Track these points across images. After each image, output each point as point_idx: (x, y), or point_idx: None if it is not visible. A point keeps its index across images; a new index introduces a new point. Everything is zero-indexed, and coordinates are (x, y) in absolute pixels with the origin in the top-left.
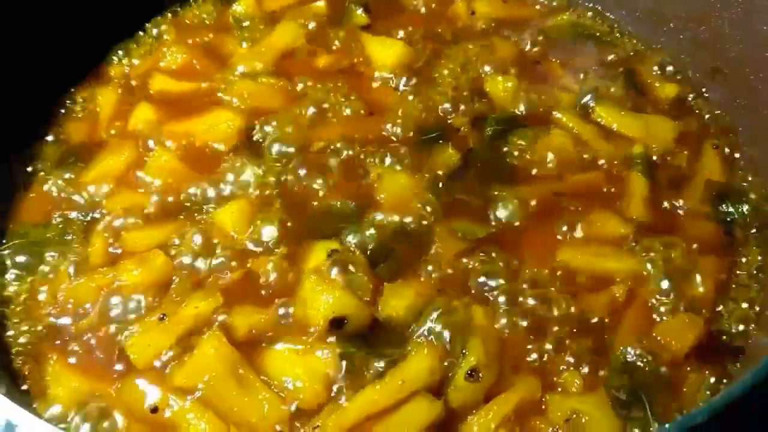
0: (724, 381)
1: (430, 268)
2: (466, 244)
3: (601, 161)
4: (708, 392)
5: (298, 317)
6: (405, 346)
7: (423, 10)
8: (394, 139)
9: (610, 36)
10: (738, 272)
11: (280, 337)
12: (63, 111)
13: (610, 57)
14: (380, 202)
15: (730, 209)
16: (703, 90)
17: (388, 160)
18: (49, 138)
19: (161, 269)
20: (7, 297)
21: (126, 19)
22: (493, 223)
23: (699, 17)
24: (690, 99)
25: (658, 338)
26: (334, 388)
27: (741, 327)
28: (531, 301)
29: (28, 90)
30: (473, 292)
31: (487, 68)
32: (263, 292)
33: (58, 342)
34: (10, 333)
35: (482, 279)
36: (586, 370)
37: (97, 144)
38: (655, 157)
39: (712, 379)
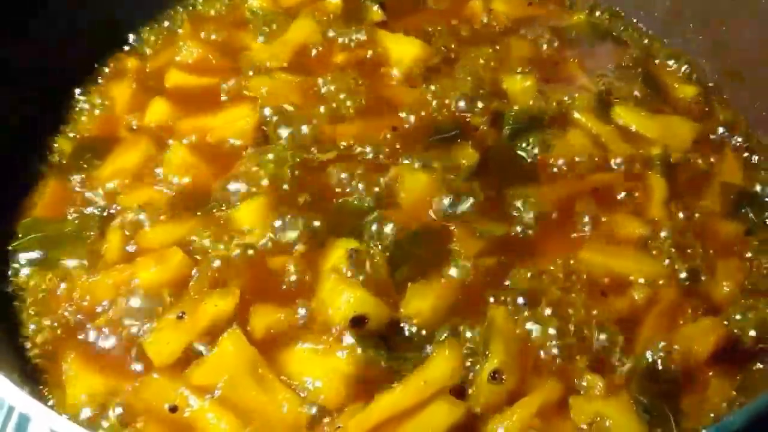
0: (748, 385)
1: (450, 267)
2: (485, 244)
3: (620, 162)
4: (733, 395)
5: (318, 316)
6: (426, 347)
7: (440, 7)
8: (412, 137)
9: (629, 37)
10: (760, 274)
11: (300, 336)
12: (78, 106)
13: (629, 58)
14: (399, 200)
15: (750, 212)
16: (723, 91)
17: (406, 159)
18: (64, 133)
19: (179, 267)
20: (24, 293)
21: (140, 13)
22: (513, 223)
23: (719, 18)
24: (709, 101)
25: (680, 342)
26: (356, 388)
27: (764, 330)
28: (551, 302)
29: (41, 85)
30: (494, 292)
31: (504, 67)
32: (282, 290)
33: (75, 339)
34: (27, 330)
35: (502, 279)
36: (608, 373)
37: (112, 139)
38: (674, 159)
39: (735, 384)
